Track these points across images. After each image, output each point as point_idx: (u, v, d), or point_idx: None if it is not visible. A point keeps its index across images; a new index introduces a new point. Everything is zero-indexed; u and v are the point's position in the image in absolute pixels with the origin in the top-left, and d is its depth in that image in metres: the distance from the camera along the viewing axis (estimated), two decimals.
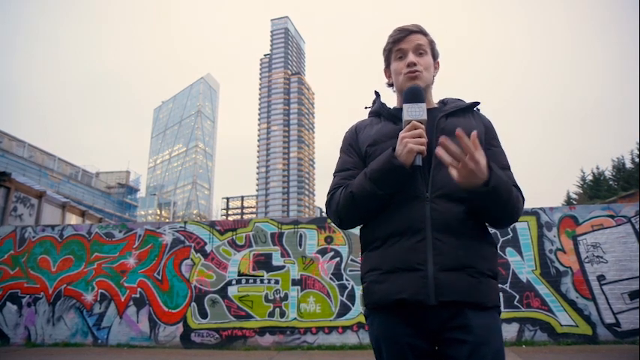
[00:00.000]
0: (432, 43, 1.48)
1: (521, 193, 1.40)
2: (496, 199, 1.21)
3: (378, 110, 1.52)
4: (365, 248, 1.41)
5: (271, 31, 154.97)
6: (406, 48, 1.44)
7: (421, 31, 1.46)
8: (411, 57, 1.42)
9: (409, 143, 1.23)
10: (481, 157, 1.15)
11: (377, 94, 1.57)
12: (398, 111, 1.44)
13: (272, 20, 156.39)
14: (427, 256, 1.24)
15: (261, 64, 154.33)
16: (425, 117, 1.28)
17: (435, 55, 1.50)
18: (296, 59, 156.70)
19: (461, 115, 1.44)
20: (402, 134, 1.27)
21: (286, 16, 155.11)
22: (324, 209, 1.50)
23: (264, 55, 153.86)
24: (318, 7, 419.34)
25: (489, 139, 1.44)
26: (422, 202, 1.29)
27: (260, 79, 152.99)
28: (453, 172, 1.17)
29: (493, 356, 1.19)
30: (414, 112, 1.28)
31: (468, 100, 1.54)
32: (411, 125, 1.26)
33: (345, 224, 1.42)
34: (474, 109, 1.51)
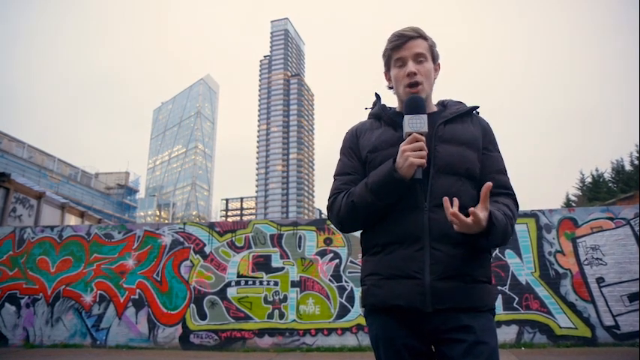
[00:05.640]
0: (431, 47, 1.46)
1: (516, 201, 1.42)
2: (490, 243, 1.26)
3: (379, 113, 1.51)
4: (365, 252, 1.45)
5: (271, 33, 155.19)
6: (405, 56, 1.42)
7: (420, 36, 1.44)
8: (411, 66, 1.40)
9: (410, 157, 1.24)
10: (481, 213, 1.17)
11: (377, 96, 1.57)
12: (398, 115, 1.44)
13: (272, 22, 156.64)
14: (425, 265, 1.27)
15: (260, 66, 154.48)
16: (426, 129, 1.28)
17: (434, 58, 1.48)
18: (296, 61, 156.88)
19: (459, 120, 1.44)
20: (402, 147, 1.27)
21: (286, 18, 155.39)
22: (323, 211, 1.52)
23: (264, 56, 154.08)
24: (318, 8, 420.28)
25: (487, 143, 1.45)
26: (420, 212, 1.31)
27: (260, 80, 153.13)
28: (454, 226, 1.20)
29: (489, 354, 1.22)
30: (415, 124, 1.28)
31: (468, 102, 1.54)
32: (412, 138, 1.26)
33: (347, 230, 1.46)
34: (473, 112, 1.51)
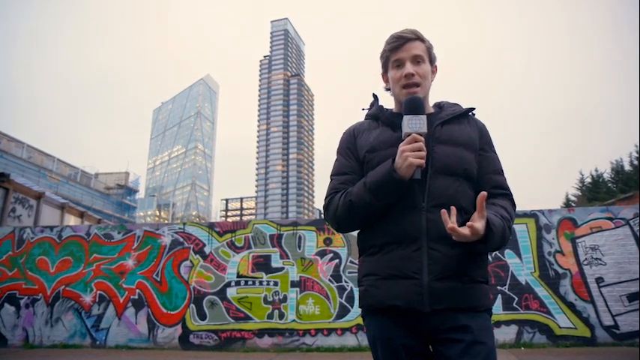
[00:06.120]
0: (429, 49, 1.47)
1: (513, 201, 1.43)
2: (488, 249, 1.28)
3: (376, 114, 1.52)
4: (362, 253, 1.44)
5: (271, 33, 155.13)
6: (403, 57, 1.42)
7: (418, 38, 1.44)
8: (409, 67, 1.41)
9: (409, 157, 1.24)
10: (478, 223, 1.18)
11: (375, 97, 1.57)
12: (396, 116, 1.44)
13: (272, 22, 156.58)
14: (422, 265, 1.27)
15: (260, 66, 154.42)
16: (425, 130, 1.28)
17: (432, 60, 1.49)
18: (295, 61, 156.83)
19: (456, 122, 1.45)
20: (402, 147, 1.27)
21: (286, 18, 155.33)
22: (323, 211, 1.52)
23: (264, 56, 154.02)
24: (318, 8, 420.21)
25: (483, 144, 1.46)
26: (418, 212, 1.31)
27: (259, 80, 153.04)
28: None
29: (486, 354, 1.22)
30: (415, 125, 1.28)
31: (468, 102, 1.55)
32: (411, 138, 1.27)
33: (343, 229, 1.45)
34: (469, 113, 1.51)
